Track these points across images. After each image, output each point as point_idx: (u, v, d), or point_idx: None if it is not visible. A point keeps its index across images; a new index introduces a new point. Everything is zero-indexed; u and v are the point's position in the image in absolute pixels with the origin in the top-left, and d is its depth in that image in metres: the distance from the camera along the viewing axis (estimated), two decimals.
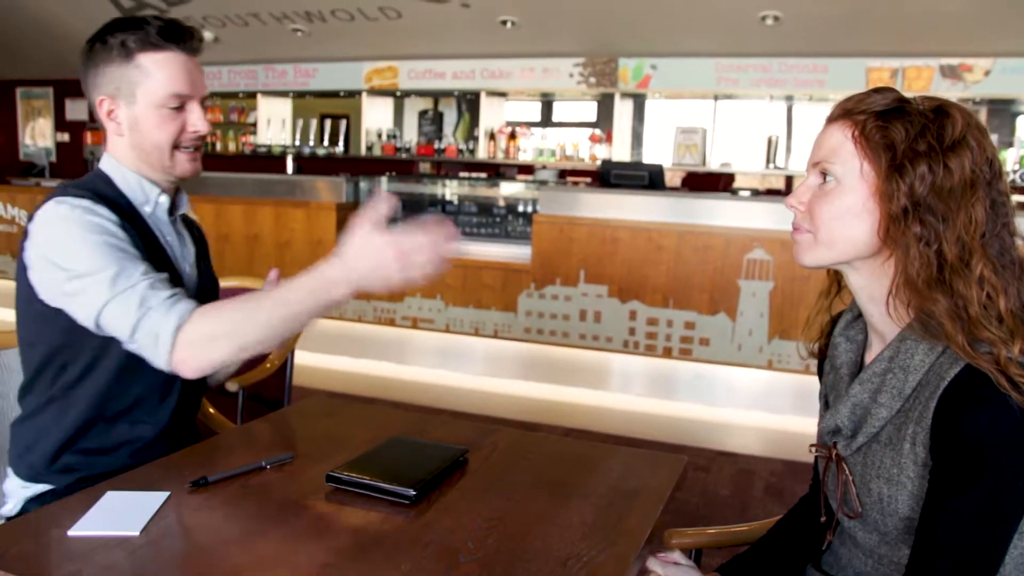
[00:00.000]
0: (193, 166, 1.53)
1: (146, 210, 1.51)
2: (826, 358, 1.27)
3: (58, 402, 1.46)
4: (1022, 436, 0.94)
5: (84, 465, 1.46)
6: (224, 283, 1.96)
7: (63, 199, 1.38)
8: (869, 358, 1.15)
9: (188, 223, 1.67)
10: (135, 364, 1.37)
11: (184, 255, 1.59)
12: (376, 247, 1.24)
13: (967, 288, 0.99)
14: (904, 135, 1.02)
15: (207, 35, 7.04)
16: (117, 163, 1.51)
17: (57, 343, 1.42)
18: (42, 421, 1.47)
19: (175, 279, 1.51)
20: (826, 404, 1.22)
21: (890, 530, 1.08)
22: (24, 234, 1.39)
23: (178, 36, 1.46)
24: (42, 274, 1.37)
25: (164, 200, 1.54)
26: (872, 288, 1.10)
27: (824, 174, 1.09)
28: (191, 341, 1.28)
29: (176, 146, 1.49)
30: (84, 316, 1.35)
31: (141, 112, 1.46)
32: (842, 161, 1.06)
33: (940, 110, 1.04)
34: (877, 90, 1.07)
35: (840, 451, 1.14)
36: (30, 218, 1.39)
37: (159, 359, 1.30)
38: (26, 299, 1.42)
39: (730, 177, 6.66)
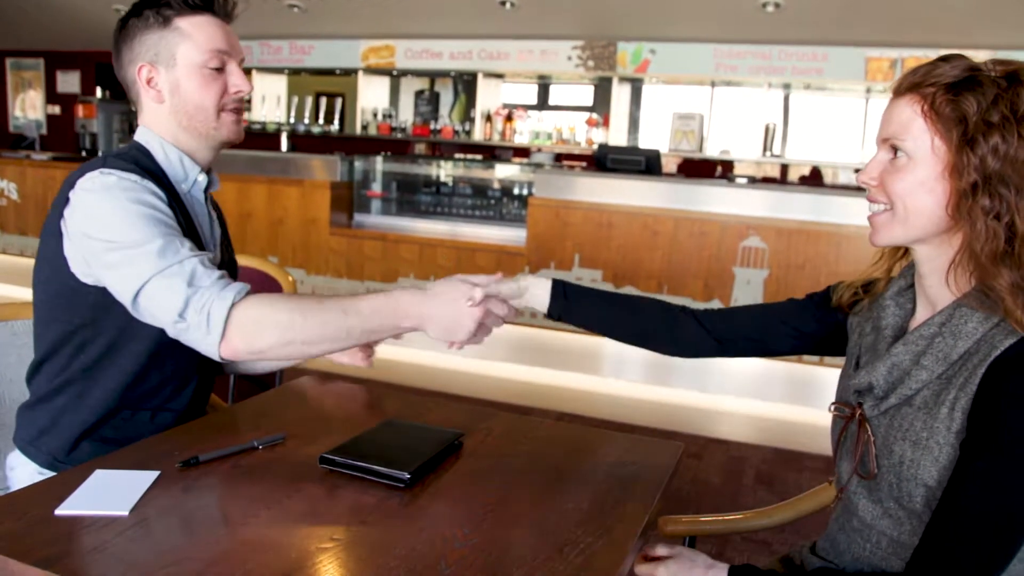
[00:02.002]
0: (238, 128, 1.50)
1: (183, 187, 1.48)
2: (849, 314, 1.27)
3: (76, 385, 1.40)
4: None
5: (103, 454, 1.36)
6: None
7: (110, 170, 1.32)
8: (913, 326, 1.14)
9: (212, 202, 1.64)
10: (164, 346, 1.34)
11: (213, 235, 1.56)
12: (466, 306, 1.31)
13: None
14: (976, 107, 0.99)
15: None
16: (157, 136, 1.46)
17: (79, 321, 1.37)
18: (58, 404, 1.41)
19: None
20: (856, 364, 1.20)
21: (902, 495, 1.06)
22: (63, 201, 1.33)
23: (211, 3, 1.45)
24: (79, 245, 1.31)
25: (202, 179, 1.51)
26: (936, 260, 1.08)
27: (895, 149, 1.06)
28: (241, 322, 1.23)
29: (221, 108, 1.46)
30: (124, 290, 1.27)
31: (183, 74, 1.43)
32: (913, 137, 1.04)
33: (1014, 77, 1.00)
34: (946, 58, 1.04)
35: (866, 411, 1.13)
36: (70, 185, 1.33)
37: (209, 341, 1.23)
38: (52, 271, 1.36)
39: (729, 164, 6.64)
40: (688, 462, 3.52)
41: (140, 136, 1.48)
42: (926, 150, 1.03)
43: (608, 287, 4.53)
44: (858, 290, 1.28)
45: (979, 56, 1.07)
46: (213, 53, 1.43)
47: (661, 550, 1.22)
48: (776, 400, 4.25)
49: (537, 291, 1.39)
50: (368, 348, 1.55)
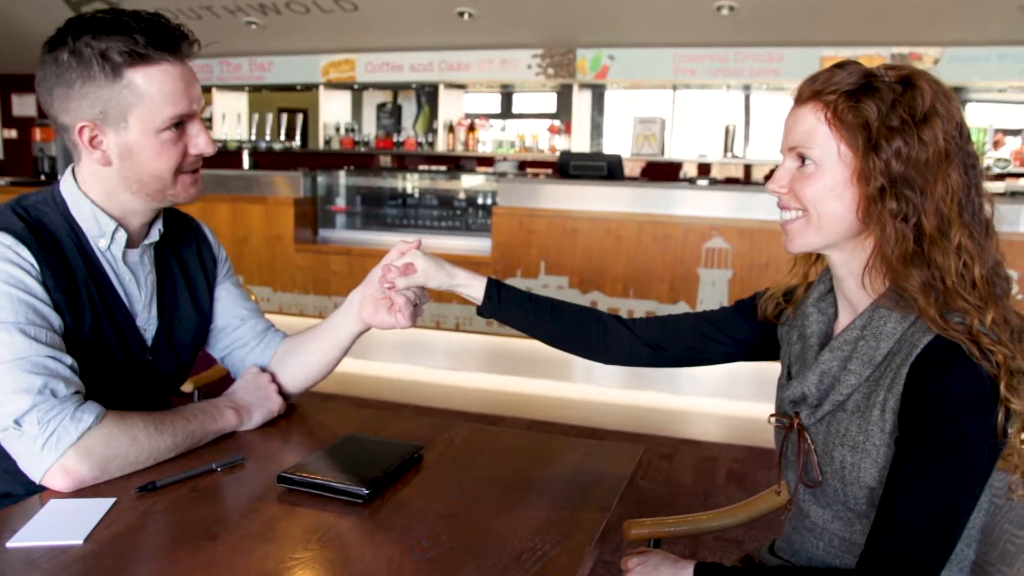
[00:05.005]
0: (196, 189, 1.36)
1: (101, 243, 1.33)
2: (778, 325, 1.29)
3: None
4: (991, 403, 0.95)
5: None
6: None
7: None
8: (838, 330, 1.16)
9: (167, 255, 1.48)
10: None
11: (145, 295, 1.41)
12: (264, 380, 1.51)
13: (945, 258, 1.00)
14: (877, 112, 1.01)
15: None
16: (76, 189, 1.32)
17: None
18: None
19: (127, 322, 1.38)
20: (788, 375, 1.22)
21: (848, 499, 1.09)
22: None
23: (171, 43, 1.26)
24: None
25: (121, 236, 1.35)
26: (851, 264, 1.10)
27: (802, 157, 1.08)
28: (87, 453, 1.16)
29: (179, 172, 1.32)
30: None
31: (136, 140, 1.26)
32: (819, 145, 1.06)
33: (907, 81, 1.03)
34: (840, 66, 1.07)
35: (803, 420, 1.14)
36: None
37: (38, 461, 1.14)
38: None
39: (691, 167, 6.70)
40: (659, 464, 3.54)
41: (63, 186, 1.34)
42: (833, 157, 1.05)
43: (575, 293, 4.56)
44: (779, 300, 1.29)
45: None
46: (174, 117, 1.27)
47: (634, 561, 1.23)
48: (746, 399, 4.29)
49: (472, 286, 1.42)
50: (411, 304, 1.49)
